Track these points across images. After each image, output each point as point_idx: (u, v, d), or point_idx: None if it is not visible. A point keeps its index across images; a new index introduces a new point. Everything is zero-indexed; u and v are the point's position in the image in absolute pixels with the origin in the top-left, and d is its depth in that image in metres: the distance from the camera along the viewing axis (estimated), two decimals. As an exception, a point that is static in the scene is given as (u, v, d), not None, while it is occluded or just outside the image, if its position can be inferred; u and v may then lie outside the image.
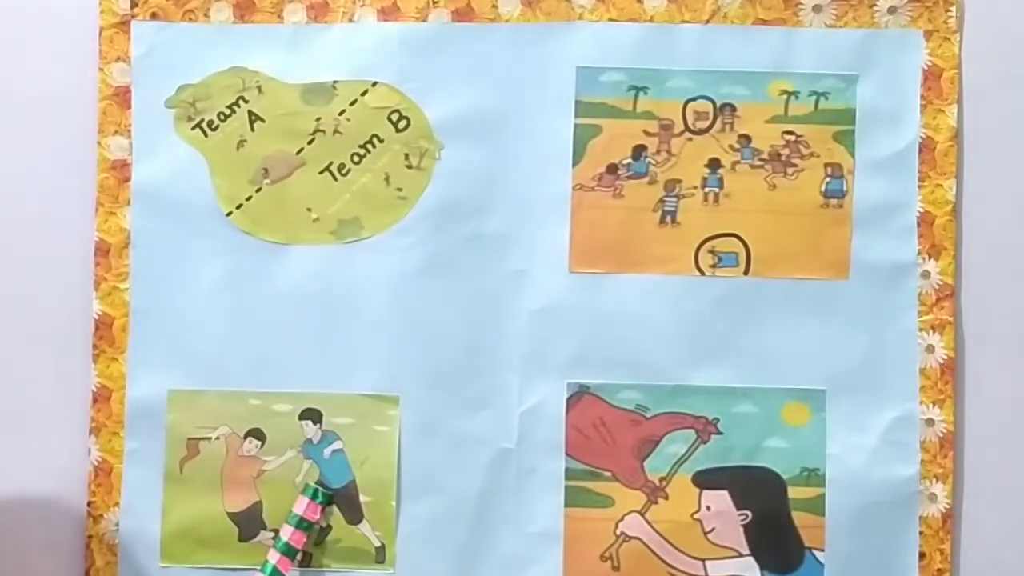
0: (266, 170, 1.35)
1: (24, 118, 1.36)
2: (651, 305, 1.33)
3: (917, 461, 1.31)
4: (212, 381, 1.34)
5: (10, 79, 1.35)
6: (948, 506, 1.30)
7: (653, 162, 1.33)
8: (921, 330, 1.31)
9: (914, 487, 1.30)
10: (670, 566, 1.31)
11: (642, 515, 1.33)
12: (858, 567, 1.32)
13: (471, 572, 1.32)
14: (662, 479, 1.32)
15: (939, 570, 1.30)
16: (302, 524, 1.28)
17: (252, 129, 1.35)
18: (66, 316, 1.34)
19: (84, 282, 1.34)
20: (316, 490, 1.29)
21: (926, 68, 1.32)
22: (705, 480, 1.33)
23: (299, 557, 1.28)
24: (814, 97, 1.33)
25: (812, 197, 1.33)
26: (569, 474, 1.32)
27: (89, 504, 1.32)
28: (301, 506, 1.28)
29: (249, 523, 1.32)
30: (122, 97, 1.34)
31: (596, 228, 1.34)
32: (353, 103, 1.34)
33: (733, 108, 1.33)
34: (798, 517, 1.32)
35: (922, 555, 1.31)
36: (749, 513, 1.33)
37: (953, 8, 1.30)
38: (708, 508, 1.33)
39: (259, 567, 1.28)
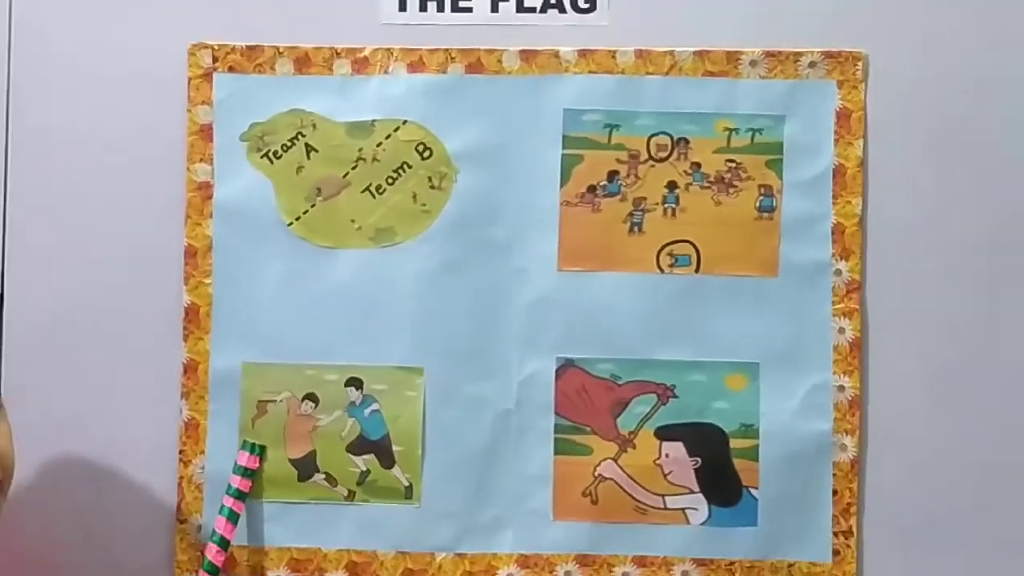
0: (319, 190, 1.45)
1: (130, 149, 1.46)
2: (622, 296, 1.44)
3: (831, 419, 1.42)
4: (277, 356, 1.44)
5: (119, 119, 1.45)
6: (855, 454, 1.41)
7: (624, 184, 1.44)
8: (834, 316, 1.42)
9: (829, 439, 1.41)
10: (637, 500, 1.42)
11: (615, 461, 1.43)
12: (784, 502, 1.42)
13: (481, 505, 1.43)
14: (630, 433, 1.43)
15: (848, 504, 1.41)
16: (246, 472, 1.40)
17: (308, 158, 1.45)
18: (163, 305, 1.44)
19: (177, 278, 1.44)
20: (252, 444, 1.42)
21: (838, 110, 1.42)
22: (664, 434, 1.43)
23: (246, 501, 1.39)
24: (751, 133, 1.43)
25: (749, 211, 1.43)
26: (557, 429, 1.43)
27: (180, 452, 1.43)
28: (243, 459, 1.41)
29: (305, 467, 1.44)
30: (206, 132, 1.45)
31: (579, 236, 1.44)
32: (388, 137, 1.44)
33: (687, 141, 1.43)
34: (738, 463, 1.42)
35: (835, 492, 1.41)
36: (699, 459, 1.43)
37: (860, 63, 1.42)
38: (667, 456, 1.43)
39: (310, 499, 1.42)
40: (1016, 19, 1.44)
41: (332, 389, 1.45)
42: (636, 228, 1.45)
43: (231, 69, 1.46)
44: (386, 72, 1.45)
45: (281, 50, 1.46)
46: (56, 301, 1.45)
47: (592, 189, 1.46)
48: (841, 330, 1.44)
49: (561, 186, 1.45)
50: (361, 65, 1.46)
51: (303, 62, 1.46)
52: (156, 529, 1.44)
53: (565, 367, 1.45)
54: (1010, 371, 1.43)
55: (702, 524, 1.43)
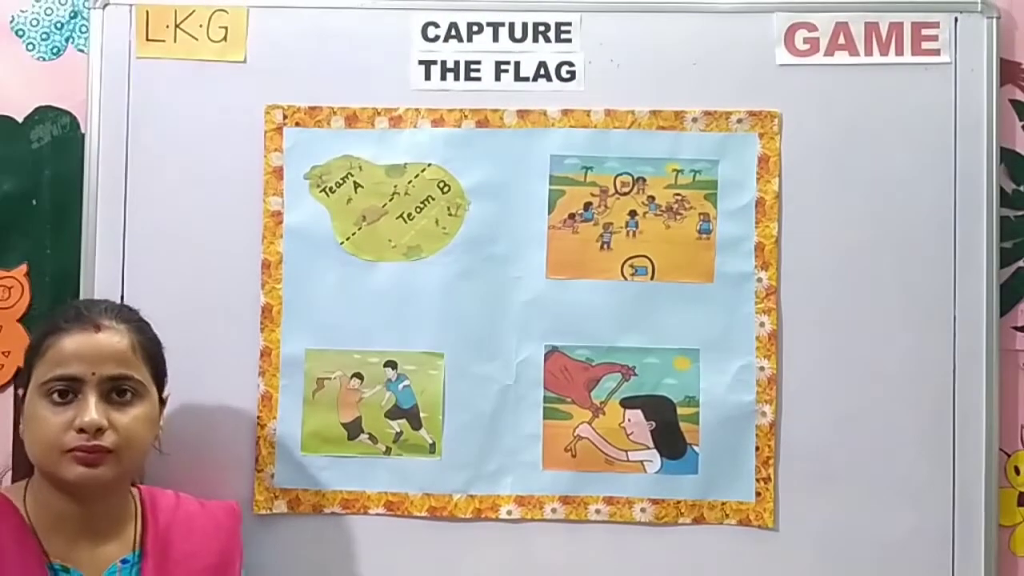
0: (364, 216, 1.68)
1: (221, 185, 1.70)
2: (595, 298, 1.66)
3: (754, 392, 1.65)
4: (332, 344, 1.66)
5: (213, 162, 1.70)
6: (773, 419, 1.66)
7: (596, 212, 1.67)
8: (757, 313, 1.66)
9: (752, 408, 1.66)
10: (606, 454, 1.66)
11: (589, 424, 1.66)
12: (719, 455, 1.65)
13: (488, 458, 1.65)
14: (601, 403, 1.66)
15: (767, 457, 1.65)
16: None
17: (356, 192, 1.68)
18: (246, 305, 1.69)
19: (256, 284, 1.69)
20: None
21: (759, 155, 1.67)
22: (627, 403, 1.66)
23: None
24: (693, 173, 1.66)
25: (691, 233, 1.67)
26: (546, 399, 1.66)
27: (258, 417, 1.68)
28: None
29: (353, 429, 1.67)
30: (278, 173, 1.69)
31: (562, 251, 1.66)
32: (416, 176, 1.68)
33: (644, 179, 1.67)
34: (683, 426, 1.66)
35: (757, 448, 1.66)
36: (654, 423, 1.66)
37: (776, 119, 1.67)
38: (629, 420, 1.66)
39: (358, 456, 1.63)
40: (892, 85, 1.71)
41: (374, 369, 1.69)
42: (606, 246, 1.69)
43: (297, 124, 1.71)
44: (415, 126, 1.70)
45: (335, 110, 1.71)
46: (164, 303, 1.66)
47: (572, 216, 1.69)
48: (762, 324, 1.69)
49: (548, 214, 1.69)
50: (396, 121, 1.71)
51: (352, 119, 1.71)
52: (240, 475, 1.71)
53: (551, 352, 1.68)
54: (890, 354, 1.69)
55: (656, 472, 1.67)
